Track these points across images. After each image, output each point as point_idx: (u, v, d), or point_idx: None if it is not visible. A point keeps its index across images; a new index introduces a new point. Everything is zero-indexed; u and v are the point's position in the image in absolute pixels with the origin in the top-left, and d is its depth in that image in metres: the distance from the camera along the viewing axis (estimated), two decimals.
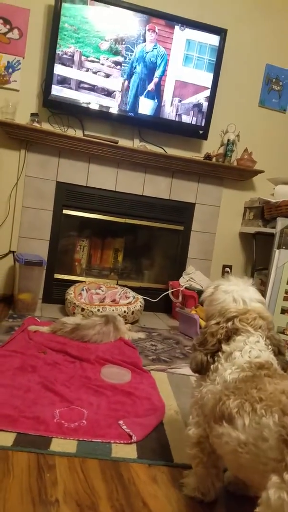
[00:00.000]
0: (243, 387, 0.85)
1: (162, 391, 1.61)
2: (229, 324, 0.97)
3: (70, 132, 2.77)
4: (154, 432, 1.29)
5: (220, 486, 1.01)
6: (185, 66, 2.79)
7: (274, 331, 1.00)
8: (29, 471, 1.03)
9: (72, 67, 2.62)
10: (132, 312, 2.55)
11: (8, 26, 2.61)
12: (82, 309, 2.45)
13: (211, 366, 0.97)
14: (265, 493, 0.70)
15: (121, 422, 1.30)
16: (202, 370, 0.99)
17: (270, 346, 0.96)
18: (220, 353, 0.96)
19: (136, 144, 2.89)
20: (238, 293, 1.02)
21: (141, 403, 1.46)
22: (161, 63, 2.76)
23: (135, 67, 2.72)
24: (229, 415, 0.83)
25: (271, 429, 0.74)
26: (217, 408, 0.87)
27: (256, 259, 3.02)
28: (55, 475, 1.03)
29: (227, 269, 3.22)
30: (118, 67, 2.69)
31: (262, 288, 2.82)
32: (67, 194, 2.83)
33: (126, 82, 2.72)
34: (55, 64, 2.58)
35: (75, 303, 2.49)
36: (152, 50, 2.73)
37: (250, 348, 0.93)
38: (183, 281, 2.93)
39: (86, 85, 2.66)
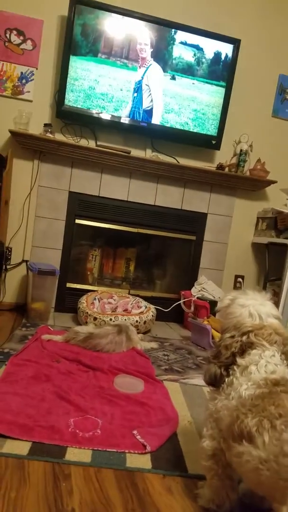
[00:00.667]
0: (260, 404, 0.85)
1: (175, 401, 1.60)
2: (244, 338, 0.97)
3: (83, 142, 2.81)
4: (168, 443, 1.29)
5: (235, 498, 1.00)
6: (197, 76, 2.82)
7: None
8: (45, 480, 1.04)
9: (85, 78, 2.67)
10: (144, 322, 2.55)
11: (21, 37, 2.67)
12: (95, 318, 2.45)
13: (226, 380, 0.96)
14: (285, 508, 0.71)
15: (135, 432, 1.30)
16: (215, 382, 0.98)
17: (285, 361, 0.95)
18: (235, 367, 0.96)
19: (149, 154, 2.92)
20: (254, 307, 1.01)
21: (154, 413, 1.46)
22: (173, 73, 2.79)
23: (148, 78, 2.76)
24: (248, 434, 0.83)
25: None
26: (235, 426, 0.87)
27: (269, 270, 3.00)
28: (70, 484, 1.03)
29: (240, 279, 3.20)
30: (131, 77, 2.73)
31: (275, 298, 2.80)
32: (80, 204, 2.86)
33: (138, 93, 2.76)
34: (68, 75, 2.63)
35: (87, 312, 2.50)
36: (164, 61, 2.77)
37: (266, 362, 0.92)
38: (195, 291, 2.93)
39: (99, 96, 2.71)
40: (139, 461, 1.17)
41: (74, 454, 1.15)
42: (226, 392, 0.94)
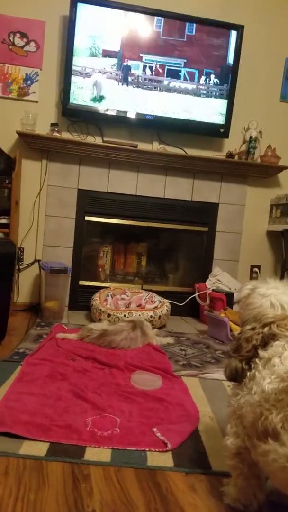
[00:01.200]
0: (284, 398, 0.80)
1: (195, 396, 1.55)
2: (266, 329, 0.92)
3: (90, 139, 2.78)
4: (190, 439, 1.25)
5: (262, 498, 0.95)
6: (202, 64, 2.76)
7: None
8: (64, 481, 1.01)
9: (89, 75, 2.64)
10: (159, 317, 2.51)
11: (25, 40, 2.66)
12: (108, 315, 2.43)
13: (248, 374, 0.91)
14: None
15: (155, 429, 1.26)
16: (237, 377, 0.93)
17: None
18: (257, 360, 0.90)
19: (156, 147, 2.88)
20: (276, 297, 0.96)
21: (174, 410, 1.42)
22: (176, 65, 2.74)
23: (152, 71, 2.71)
24: (273, 431, 0.79)
25: None
26: (259, 423, 0.82)
27: (286, 258, 2.93)
28: (90, 485, 1.00)
29: (256, 269, 3.13)
30: (135, 71, 2.69)
31: None
32: (89, 201, 2.84)
33: (142, 86, 2.71)
34: (73, 75, 2.60)
35: (101, 309, 2.48)
36: (167, 55, 2.71)
37: None
38: (210, 283, 2.87)
39: (103, 92, 2.67)
40: (160, 459, 1.14)
41: (93, 453, 1.13)
42: (248, 387, 0.89)
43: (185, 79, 2.76)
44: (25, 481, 0.99)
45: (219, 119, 2.84)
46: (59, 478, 1.02)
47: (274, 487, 0.99)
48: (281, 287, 0.98)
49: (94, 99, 2.67)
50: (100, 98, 2.67)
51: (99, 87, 2.66)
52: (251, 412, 0.86)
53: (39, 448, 1.13)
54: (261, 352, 0.90)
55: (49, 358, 1.79)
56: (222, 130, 2.86)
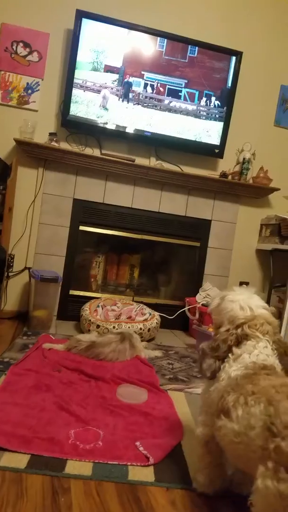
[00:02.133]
0: (242, 383, 0.92)
1: (180, 411, 1.56)
2: (239, 330, 1.03)
3: (88, 151, 2.81)
4: (172, 454, 1.25)
5: (226, 485, 1.05)
6: (200, 87, 2.83)
7: (279, 334, 1.07)
8: (43, 494, 1.00)
9: (91, 89, 2.68)
10: (149, 329, 2.52)
11: (28, 49, 2.70)
12: (98, 326, 2.42)
13: (221, 367, 1.03)
14: (255, 483, 0.76)
15: (138, 443, 1.26)
16: (214, 376, 1.04)
17: (275, 351, 1.02)
18: (230, 355, 1.02)
19: (153, 162, 2.92)
20: (244, 301, 1.08)
21: (158, 424, 1.42)
22: (177, 85, 2.80)
23: (153, 89, 2.76)
24: (227, 409, 0.90)
25: (257, 418, 0.81)
26: (219, 403, 0.94)
27: (274, 276, 2.97)
28: (70, 499, 0.99)
29: (244, 285, 3.16)
30: (136, 88, 2.74)
31: (280, 305, 2.75)
32: (84, 210, 2.86)
33: (142, 103, 2.77)
34: (74, 87, 2.64)
35: (90, 320, 2.47)
36: (169, 74, 2.78)
37: (259, 353, 0.99)
38: (200, 298, 2.89)
39: (103, 106, 2.72)
40: (142, 473, 1.13)
41: (74, 467, 1.12)
42: (217, 377, 1.01)
43: (185, 99, 2.83)
44: (3, 494, 0.98)
45: (215, 140, 2.90)
46: (38, 491, 1.01)
47: (237, 478, 1.07)
48: (246, 293, 1.11)
49: (96, 114, 2.70)
50: (102, 112, 2.71)
51: (105, 100, 2.69)
52: (217, 396, 0.96)
53: (19, 460, 1.11)
54: (234, 350, 1.02)
55: (34, 368, 1.78)
56: (217, 151, 2.92)
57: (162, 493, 1.06)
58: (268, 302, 2.95)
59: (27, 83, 2.72)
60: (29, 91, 2.73)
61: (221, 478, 1.05)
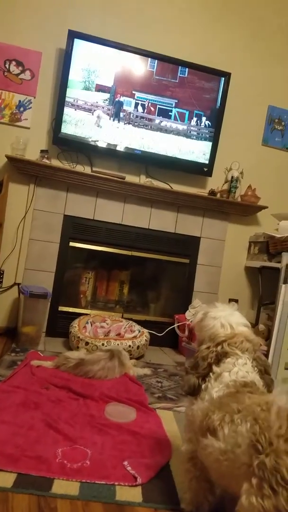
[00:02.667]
0: (226, 402, 0.92)
1: (169, 430, 1.55)
2: (219, 348, 1.04)
3: (79, 168, 2.85)
4: (161, 474, 1.24)
5: (213, 500, 1.04)
6: (190, 107, 2.91)
7: (259, 352, 1.08)
8: None
9: (82, 108, 2.74)
10: (138, 347, 2.51)
11: (20, 68, 2.76)
12: (86, 343, 2.41)
13: (202, 386, 1.02)
14: (240, 500, 0.76)
15: (125, 462, 1.25)
16: (194, 392, 1.04)
17: (256, 368, 1.03)
18: (211, 374, 1.02)
19: (143, 180, 2.97)
20: (225, 318, 1.09)
21: (147, 443, 1.41)
22: (167, 105, 2.88)
23: (144, 108, 2.83)
24: (213, 428, 0.89)
25: (243, 436, 0.81)
26: (204, 422, 0.94)
27: (263, 294, 3.00)
28: None
29: (233, 302, 3.18)
30: (127, 108, 2.81)
31: (269, 323, 2.78)
32: (74, 227, 2.87)
33: (133, 123, 2.83)
34: (65, 106, 2.70)
35: (79, 337, 2.46)
36: (159, 94, 2.86)
37: (238, 370, 1.00)
38: (189, 315, 2.90)
39: (94, 125, 2.77)
40: (130, 493, 1.12)
41: (61, 486, 1.10)
42: (201, 397, 1.01)
43: (175, 118, 2.90)
44: None
45: (204, 159, 2.97)
46: (24, 511, 0.99)
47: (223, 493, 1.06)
48: (228, 310, 1.12)
49: (87, 132, 2.75)
50: (94, 131, 2.76)
51: (99, 120, 2.75)
52: (200, 415, 0.97)
53: (6, 479, 1.10)
54: (214, 368, 1.02)
55: (22, 385, 1.75)
56: (206, 169, 2.98)
57: None
58: (257, 319, 2.97)
59: (20, 101, 2.77)
60: (21, 109, 2.77)
61: (207, 493, 1.04)
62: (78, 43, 2.69)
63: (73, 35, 2.67)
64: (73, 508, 1.03)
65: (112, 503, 1.07)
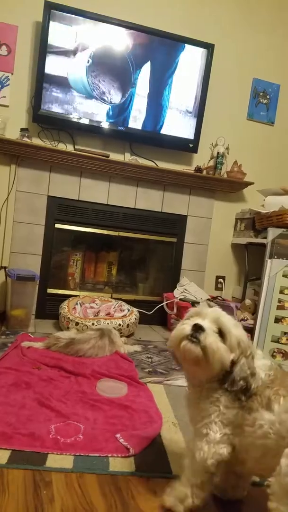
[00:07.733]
0: (279, 377, 0.96)
1: (160, 403, 1.58)
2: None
3: (61, 146, 2.79)
4: (152, 445, 1.27)
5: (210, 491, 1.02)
6: (174, 81, 2.85)
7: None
8: (25, 488, 1.00)
9: (62, 85, 2.66)
10: (127, 325, 2.53)
11: None
12: (77, 323, 2.42)
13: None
14: (280, 463, 0.80)
15: (118, 435, 1.28)
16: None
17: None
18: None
19: (128, 158, 2.92)
20: None
21: (138, 416, 1.44)
22: (149, 78, 2.81)
23: (125, 83, 2.77)
24: (266, 402, 0.92)
25: None
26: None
27: (249, 269, 3.04)
28: (52, 492, 1.00)
29: (221, 280, 3.22)
30: (106, 82, 2.73)
31: (255, 298, 2.83)
32: (59, 208, 2.83)
33: (116, 98, 2.77)
34: (44, 80, 2.61)
35: (69, 318, 2.46)
36: (140, 67, 2.79)
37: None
38: (178, 293, 2.93)
39: (75, 101, 2.70)
40: (123, 464, 1.15)
41: (55, 460, 1.12)
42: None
43: None
44: None
45: (189, 134, 2.93)
46: (20, 485, 1.01)
47: (217, 483, 1.05)
48: (218, 310, 1.08)
49: (68, 109, 2.68)
50: (75, 106, 2.69)
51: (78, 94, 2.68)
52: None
53: (0, 456, 1.11)
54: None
55: (13, 367, 1.76)
56: (191, 145, 2.95)
57: (143, 483, 1.08)
58: (243, 295, 3.02)
59: None
60: None
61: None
62: (55, 15, 2.58)
63: (50, 6, 2.56)
64: (68, 480, 1.05)
65: (106, 474, 1.10)
